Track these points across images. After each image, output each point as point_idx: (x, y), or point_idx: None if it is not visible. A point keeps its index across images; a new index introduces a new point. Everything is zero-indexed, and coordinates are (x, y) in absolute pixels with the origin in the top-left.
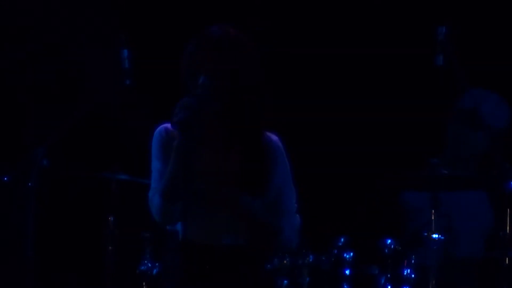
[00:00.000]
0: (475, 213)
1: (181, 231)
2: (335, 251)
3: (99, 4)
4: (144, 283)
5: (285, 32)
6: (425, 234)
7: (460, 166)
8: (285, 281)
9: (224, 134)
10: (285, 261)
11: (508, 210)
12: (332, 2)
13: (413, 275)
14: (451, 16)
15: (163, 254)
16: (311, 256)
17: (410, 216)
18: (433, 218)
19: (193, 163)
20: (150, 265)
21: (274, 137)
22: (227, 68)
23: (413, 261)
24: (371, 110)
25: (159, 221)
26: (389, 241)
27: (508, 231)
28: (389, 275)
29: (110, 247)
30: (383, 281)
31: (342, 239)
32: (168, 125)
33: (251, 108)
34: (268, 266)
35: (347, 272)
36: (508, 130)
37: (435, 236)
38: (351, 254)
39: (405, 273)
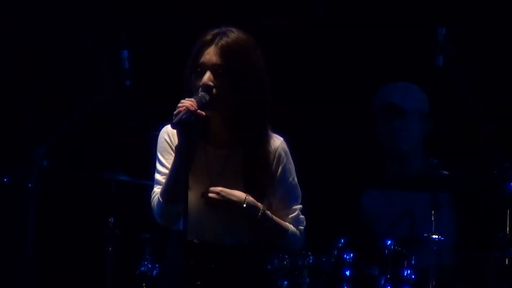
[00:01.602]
0: (436, 215)
1: (184, 231)
2: (335, 252)
3: (99, 4)
4: (144, 284)
5: (286, 36)
6: (425, 235)
7: (405, 160)
8: (285, 282)
9: (226, 136)
10: (285, 262)
11: (508, 210)
12: (332, 3)
13: (413, 276)
14: (451, 16)
15: (165, 253)
16: (311, 257)
17: (368, 218)
18: (433, 219)
19: (197, 165)
20: (150, 266)
21: (278, 140)
22: (229, 69)
23: (413, 262)
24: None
25: (160, 222)
26: (389, 241)
27: (508, 231)
28: (389, 276)
29: (110, 248)
30: (383, 281)
31: (342, 240)
32: None
33: (254, 109)
34: (268, 266)
35: (347, 273)
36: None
37: (434, 237)
38: (351, 255)
39: (405, 274)
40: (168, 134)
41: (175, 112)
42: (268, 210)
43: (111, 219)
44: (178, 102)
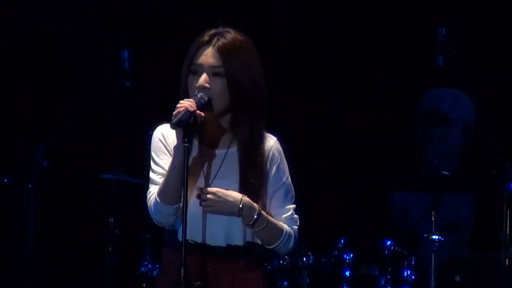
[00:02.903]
0: (458, 213)
1: (180, 232)
2: (335, 252)
3: (99, 5)
4: (144, 284)
5: (285, 35)
6: (425, 235)
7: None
8: (285, 282)
9: (221, 136)
10: (285, 262)
11: (508, 210)
12: (332, 4)
13: (413, 276)
14: (451, 16)
15: (161, 254)
16: (311, 257)
17: (401, 217)
18: (433, 219)
19: (193, 165)
20: (150, 266)
21: (272, 140)
22: (226, 71)
23: (413, 262)
24: (371, 111)
25: (156, 222)
26: (389, 242)
27: (508, 231)
28: (389, 276)
29: (110, 248)
30: (383, 282)
31: (342, 240)
32: (167, 126)
33: (250, 110)
34: (268, 267)
35: (347, 273)
36: (475, 123)
37: (434, 237)
38: (351, 255)
39: (405, 274)
40: (162, 134)
41: (174, 113)
42: (263, 210)
43: (111, 219)
44: (177, 102)
